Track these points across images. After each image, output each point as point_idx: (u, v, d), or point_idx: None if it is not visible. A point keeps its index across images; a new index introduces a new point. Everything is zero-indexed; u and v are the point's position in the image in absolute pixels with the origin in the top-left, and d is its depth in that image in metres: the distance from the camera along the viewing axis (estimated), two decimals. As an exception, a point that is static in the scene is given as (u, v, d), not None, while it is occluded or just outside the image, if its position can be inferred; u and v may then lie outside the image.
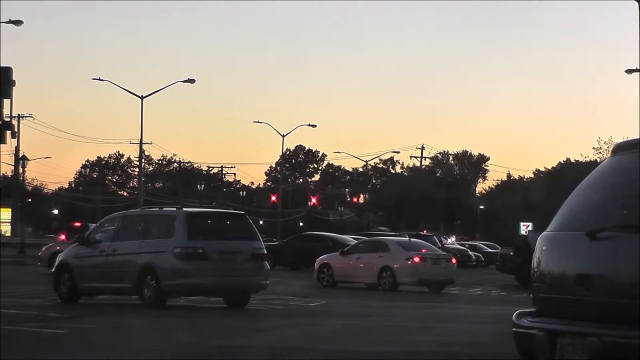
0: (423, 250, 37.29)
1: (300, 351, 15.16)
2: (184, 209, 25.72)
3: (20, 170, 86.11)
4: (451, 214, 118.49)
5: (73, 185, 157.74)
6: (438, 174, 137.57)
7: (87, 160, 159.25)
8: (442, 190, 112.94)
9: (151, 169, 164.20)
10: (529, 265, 8.59)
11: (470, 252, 72.96)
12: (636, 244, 7.43)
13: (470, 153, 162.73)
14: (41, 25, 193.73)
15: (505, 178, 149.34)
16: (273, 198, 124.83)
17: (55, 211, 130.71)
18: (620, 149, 8.35)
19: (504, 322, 10.06)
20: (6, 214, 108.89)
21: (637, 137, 8.54)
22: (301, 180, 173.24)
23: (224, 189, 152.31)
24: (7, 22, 61.56)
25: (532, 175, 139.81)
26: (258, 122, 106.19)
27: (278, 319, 21.73)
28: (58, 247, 40.87)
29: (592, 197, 8.19)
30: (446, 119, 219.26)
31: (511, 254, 47.85)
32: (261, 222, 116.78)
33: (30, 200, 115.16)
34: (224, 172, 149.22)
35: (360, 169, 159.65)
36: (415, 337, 17.71)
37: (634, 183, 7.87)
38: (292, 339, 17.29)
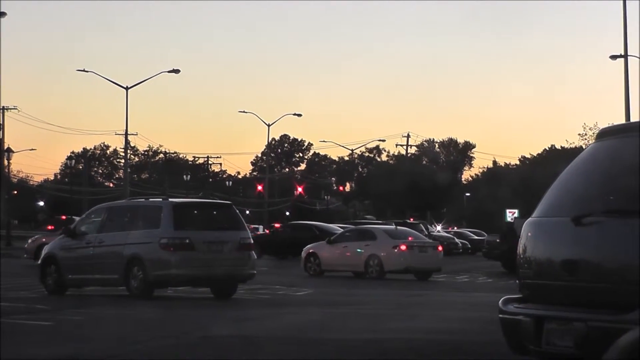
0: (410, 238, 37.34)
1: (284, 340, 15.17)
2: (170, 199, 25.68)
3: (5, 162, 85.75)
4: (437, 201, 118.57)
5: (59, 177, 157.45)
6: (424, 162, 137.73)
7: (73, 152, 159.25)
8: (428, 178, 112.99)
9: (137, 159, 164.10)
10: (515, 252, 8.60)
11: (457, 240, 73.11)
12: (622, 229, 7.45)
13: (456, 140, 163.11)
14: (25, 16, 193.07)
15: (491, 165, 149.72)
16: (259, 188, 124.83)
17: (41, 203, 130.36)
18: (605, 134, 8.37)
19: (491, 308, 10.07)
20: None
21: (622, 122, 8.57)
22: (287, 169, 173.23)
23: (210, 179, 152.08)
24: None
25: (517, 162, 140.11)
26: (243, 111, 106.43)
27: (265, 308, 21.72)
28: (44, 239, 40.77)
29: (577, 182, 8.20)
30: (432, 106, 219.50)
31: (497, 240, 48.00)
32: (248, 212, 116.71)
33: (15, 192, 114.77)
34: (209, 162, 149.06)
35: (347, 158, 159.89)
36: (401, 325, 17.72)
37: (619, 168, 7.89)
38: (277, 328, 17.28)
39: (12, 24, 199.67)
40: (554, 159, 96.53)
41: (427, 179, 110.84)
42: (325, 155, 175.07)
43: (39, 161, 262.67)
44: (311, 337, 15.49)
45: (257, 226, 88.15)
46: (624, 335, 5.15)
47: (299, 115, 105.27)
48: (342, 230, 44.37)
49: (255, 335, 15.81)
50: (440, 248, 38.22)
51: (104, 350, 14.06)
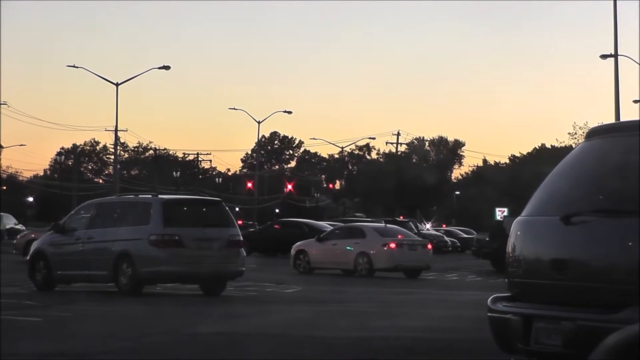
0: (399, 236, 37.37)
1: (272, 338, 15.16)
2: (160, 196, 25.64)
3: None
4: (427, 199, 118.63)
5: (48, 172, 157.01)
6: (414, 160, 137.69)
7: (63, 148, 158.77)
8: (417, 176, 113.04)
9: (127, 156, 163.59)
10: (504, 251, 8.61)
11: (446, 238, 73.15)
12: (610, 229, 7.46)
13: (446, 139, 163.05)
14: (15, 11, 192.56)
15: (481, 164, 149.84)
16: (249, 185, 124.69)
17: (30, 199, 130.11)
18: (594, 134, 8.38)
19: (480, 307, 10.08)
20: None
21: (611, 122, 8.59)
22: (277, 166, 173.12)
23: (200, 176, 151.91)
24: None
25: (507, 161, 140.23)
26: (233, 108, 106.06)
27: (253, 306, 21.71)
28: (33, 235, 40.68)
29: (566, 181, 8.21)
30: (422, 104, 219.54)
31: (487, 239, 48.04)
32: (237, 209, 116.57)
33: (4, 188, 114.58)
34: (199, 158, 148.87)
35: (337, 156, 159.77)
36: (390, 323, 17.73)
37: (608, 168, 7.90)
38: (266, 326, 17.29)
39: (2, 19, 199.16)
40: (543, 158, 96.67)
41: (416, 177, 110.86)
42: (315, 153, 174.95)
43: (28, 157, 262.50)
44: (300, 335, 15.48)
45: (250, 222, 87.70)
46: (611, 335, 5.16)
47: (289, 112, 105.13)
48: (331, 228, 44.36)
49: (243, 333, 15.81)
50: (429, 246, 38.24)
51: (92, 346, 14.03)
